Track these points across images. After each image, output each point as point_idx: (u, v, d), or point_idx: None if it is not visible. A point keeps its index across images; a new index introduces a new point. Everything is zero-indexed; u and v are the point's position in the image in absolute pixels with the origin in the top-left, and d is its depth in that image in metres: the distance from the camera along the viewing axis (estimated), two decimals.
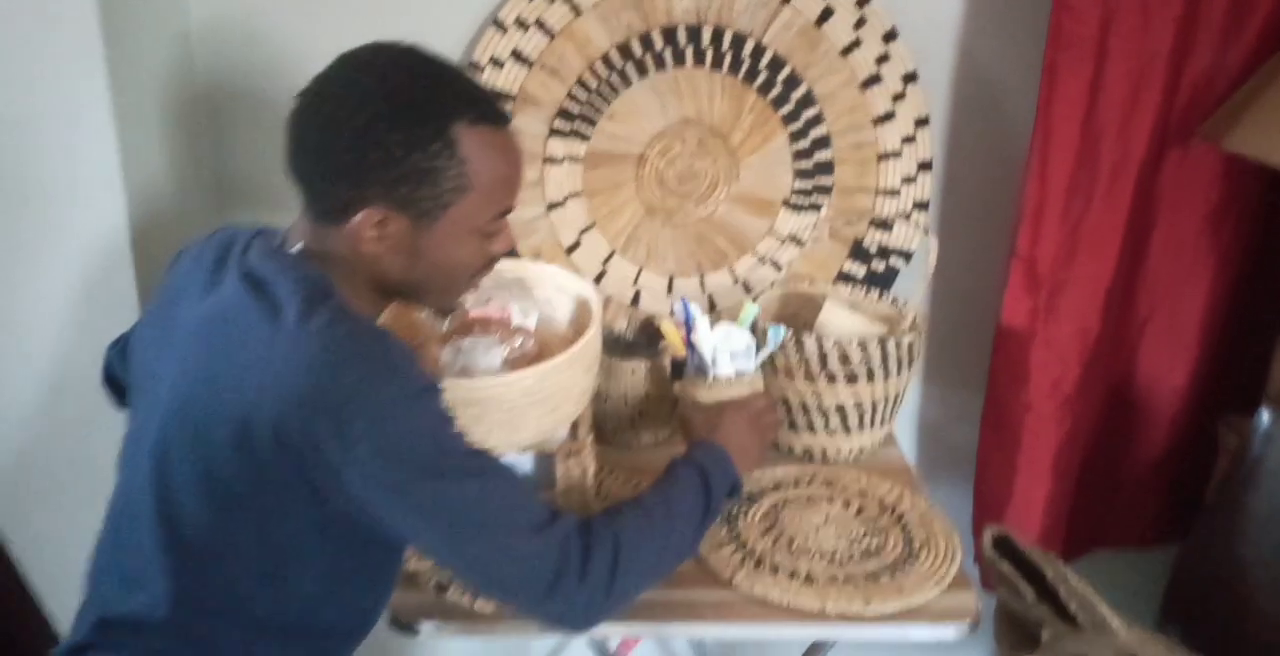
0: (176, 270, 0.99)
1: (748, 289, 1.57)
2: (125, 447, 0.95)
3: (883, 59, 1.47)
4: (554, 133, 1.49)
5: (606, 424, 1.43)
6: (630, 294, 1.57)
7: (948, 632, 1.11)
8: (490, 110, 0.90)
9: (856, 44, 1.47)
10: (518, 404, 1.05)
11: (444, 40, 1.46)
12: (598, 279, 1.56)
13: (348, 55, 0.89)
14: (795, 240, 1.56)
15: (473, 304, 1.12)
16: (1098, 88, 1.37)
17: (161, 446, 0.87)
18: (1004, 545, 1.32)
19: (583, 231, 1.54)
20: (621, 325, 1.50)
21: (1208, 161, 1.50)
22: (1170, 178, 1.51)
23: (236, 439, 0.82)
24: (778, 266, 1.56)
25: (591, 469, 1.13)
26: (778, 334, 1.32)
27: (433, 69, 0.89)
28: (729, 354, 1.27)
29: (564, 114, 1.49)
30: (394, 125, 0.84)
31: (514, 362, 1.09)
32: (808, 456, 1.42)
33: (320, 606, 0.94)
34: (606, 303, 1.56)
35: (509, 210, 0.95)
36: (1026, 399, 1.57)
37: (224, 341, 0.87)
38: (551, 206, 1.53)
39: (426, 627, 1.09)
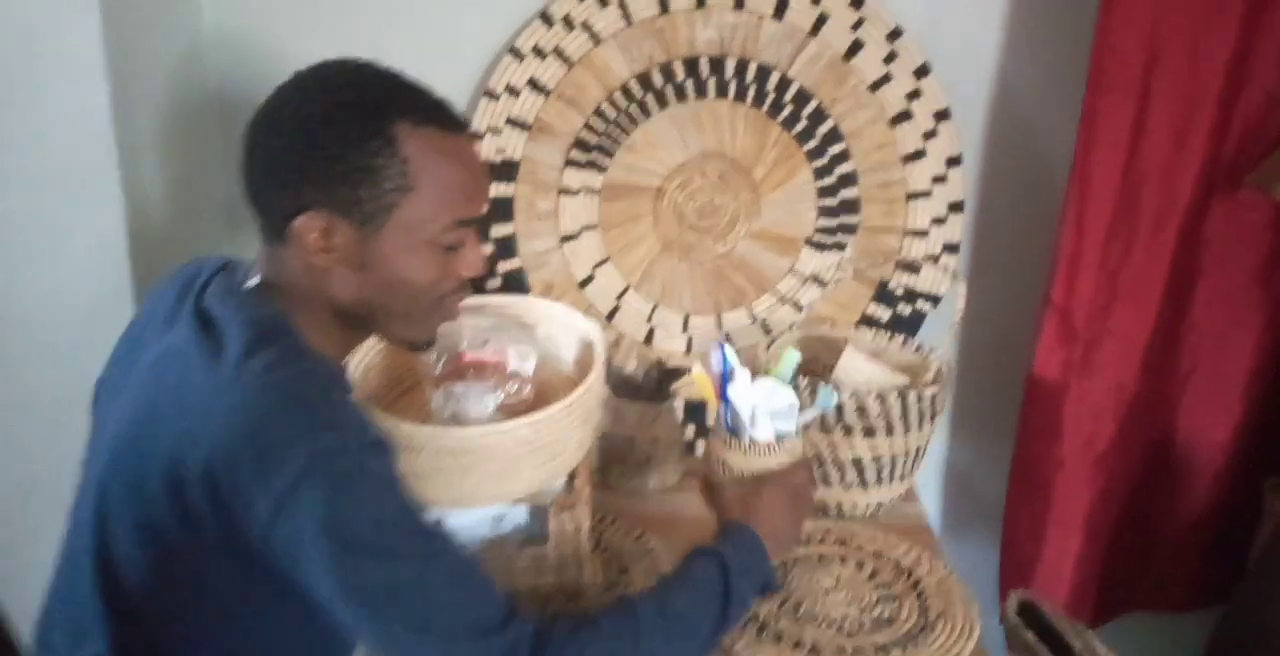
0: (142, 308, 0.95)
1: (766, 329, 1.51)
2: (77, 493, 0.90)
3: (914, 95, 1.41)
4: (570, 163, 1.45)
5: (612, 469, 1.37)
6: (644, 331, 1.51)
7: None
8: (438, 114, 0.85)
9: (886, 79, 1.41)
10: (511, 454, 1.00)
11: (460, 67, 1.42)
12: (611, 315, 1.50)
13: (300, 70, 0.86)
14: (817, 280, 1.49)
15: (468, 347, 1.06)
16: (1140, 131, 1.30)
17: (102, 493, 0.83)
18: (1029, 611, 1.25)
19: (597, 265, 1.49)
20: (632, 365, 1.44)
21: (1257, 210, 1.42)
22: (1216, 227, 1.43)
23: (170, 487, 0.77)
24: (798, 307, 1.50)
25: (586, 524, 1.07)
26: (829, 399, 1.18)
27: (380, 76, 0.86)
28: (770, 413, 1.10)
29: (581, 144, 1.44)
30: (332, 124, 0.81)
31: (509, 410, 1.04)
32: (822, 511, 1.35)
33: None
34: (618, 341, 1.51)
35: (468, 222, 0.88)
36: (1058, 455, 1.49)
37: (168, 384, 0.82)
38: (565, 239, 1.47)
39: None
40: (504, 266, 1.47)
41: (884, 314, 1.50)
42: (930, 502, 1.72)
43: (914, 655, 1.07)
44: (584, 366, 1.14)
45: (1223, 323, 1.50)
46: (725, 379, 1.11)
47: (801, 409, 1.13)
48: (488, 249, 1.45)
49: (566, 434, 1.04)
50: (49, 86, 1.15)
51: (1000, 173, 1.48)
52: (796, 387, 1.15)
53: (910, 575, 1.21)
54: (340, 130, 0.80)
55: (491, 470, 0.99)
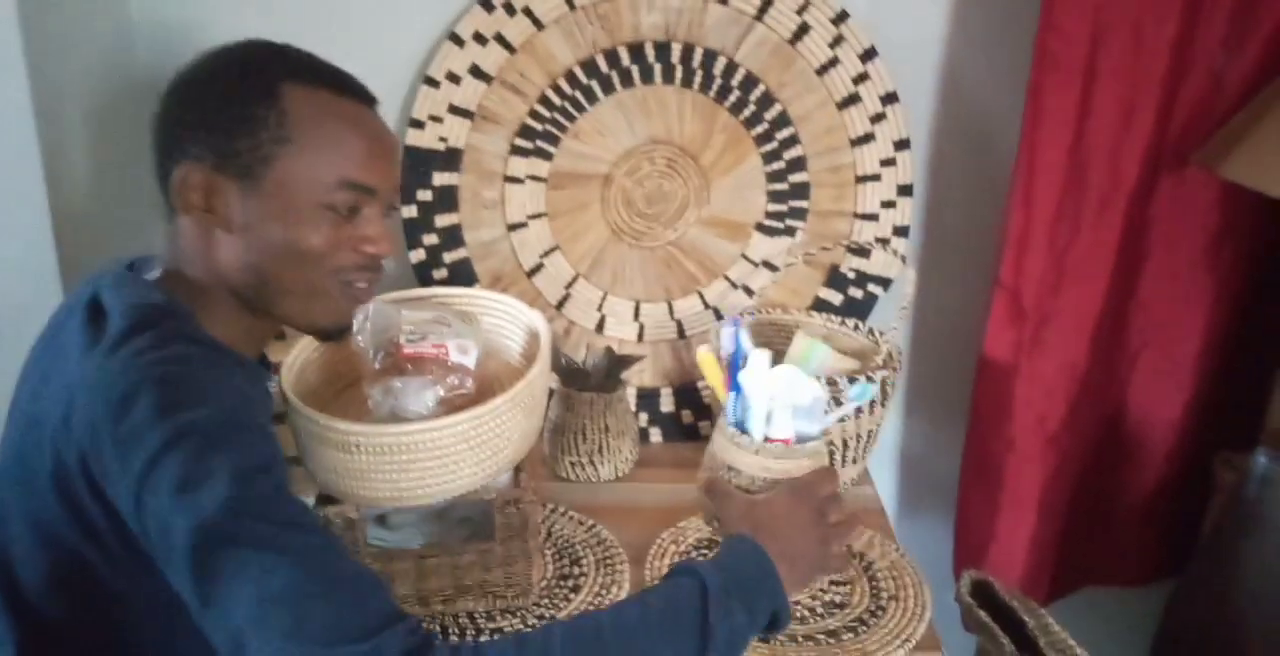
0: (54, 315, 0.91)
1: (718, 315, 1.50)
2: None
3: (861, 78, 1.40)
4: (515, 151, 1.42)
5: (563, 459, 1.36)
6: (595, 320, 1.49)
7: None
8: (332, 79, 0.85)
9: (834, 63, 1.39)
10: (453, 449, 0.98)
11: (400, 53, 1.39)
12: (560, 304, 1.48)
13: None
14: (769, 265, 1.48)
15: (406, 340, 1.04)
16: (1086, 111, 1.30)
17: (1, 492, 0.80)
18: (983, 590, 1.25)
19: (545, 254, 1.47)
20: (582, 354, 1.42)
21: (1204, 188, 1.42)
22: (1164, 205, 1.44)
23: (57, 481, 0.75)
24: (750, 292, 1.49)
25: (535, 518, 1.06)
26: (864, 392, 1.03)
27: (286, 48, 0.86)
28: (791, 408, 0.93)
29: (526, 132, 1.42)
30: (215, 80, 0.82)
31: (450, 404, 1.02)
32: None
33: None
34: (569, 329, 1.49)
35: (359, 187, 0.84)
36: (1009, 435, 1.49)
37: (51, 376, 0.80)
38: (512, 227, 1.45)
39: None
40: (450, 257, 1.45)
41: (836, 298, 1.50)
42: (885, 485, 1.73)
43: (865, 638, 1.07)
44: (530, 358, 1.13)
45: (1170, 301, 1.51)
46: (737, 363, 0.95)
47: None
48: (430, 242, 1.42)
49: (510, 427, 1.02)
50: None
51: (949, 155, 1.48)
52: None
53: (862, 559, 1.21)
54: (222, 85, 0.82)
55: (432, 467, 0.97)
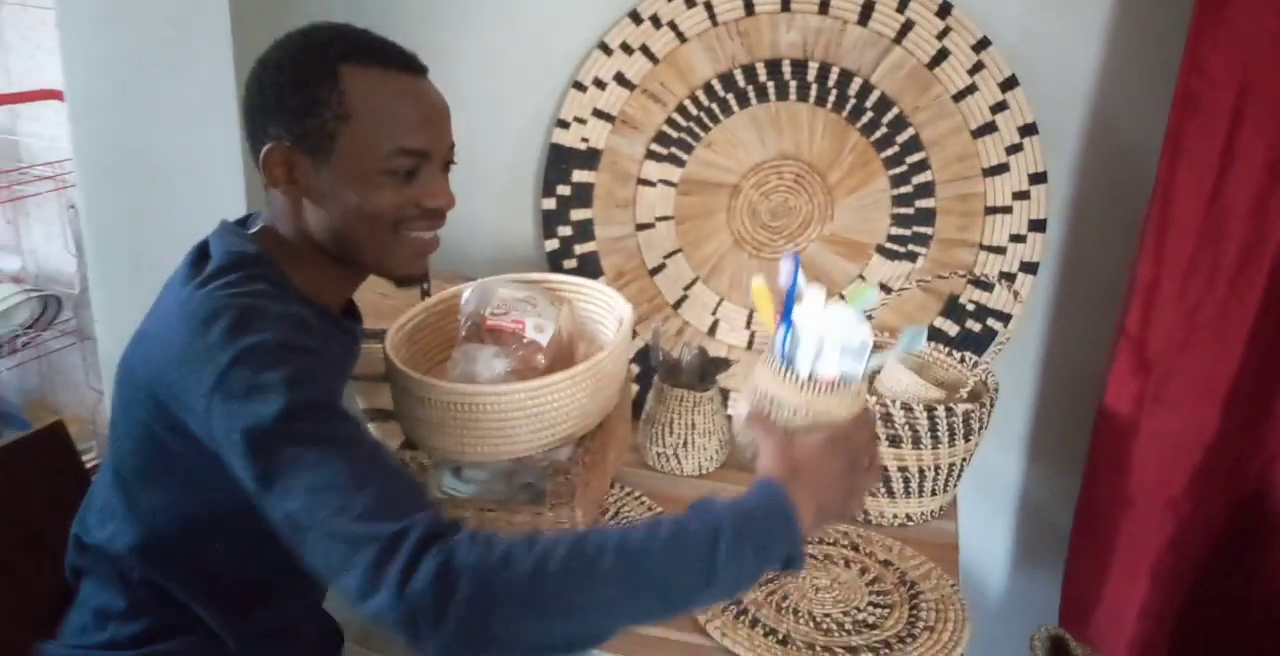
0: None
1: None
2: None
3: (1000, 107, 1.38)
4: (651, 155, 1.51)
5: (650, 448, 1.42)
6: (709, 323, 1.55)
7: None
8: (382, 56, 0.93)
9: (971, 89, 1.38)
10: (510, 415, 1.07)
11: (553, 59, 1.51)
12: (678, 304, 1.55)
13: None
14: (885, 288, 1.48)
15: (492, 314, 1.14)
16: (1229, 158, 1.23)
17: (116, 395, 0.96)
18: (1061, 647, 1.21)
19: (668, 255, 1.54)
20: (684, 352, 1.48)
21: None
22: None
23: (147, 391, 0.89)
24: (867, 314, 1.49)
25: (579, 487, 1.13)
26: (917, 338, 0.97)
27: (338, 29, 0.95)
28: (839, 347, 0.91)
29: (662, 138, 1.50)
30: (286, 68, 0.92)
31: (519, 375, 1.11)
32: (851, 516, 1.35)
33: (258, 560, 0.95)
34: (682, 330, 1.55)
35: (413, 152, 0.93)
36: (1125, 493, 1.42)
37: (158, 304, 0.94)
38: (641, 227, 1.54)
39: None
40: (580, 249, 1.55)
41: (952, 329, 1.48)
42: (1001, 530, 1.67)
43: None
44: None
45: None
46: (792, 297, 0.93)
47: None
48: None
49: (570, 403, 1.10)
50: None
51: (1090, 194, 1.42)
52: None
53: (913, 587, 1.19)
54: (290, 72, 0.91)
55: (491, 427, 1.07)
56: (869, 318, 0.94)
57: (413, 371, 1.07)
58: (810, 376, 0.91)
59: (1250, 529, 1.50)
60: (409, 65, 0.95)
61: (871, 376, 0.94)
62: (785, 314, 0.93)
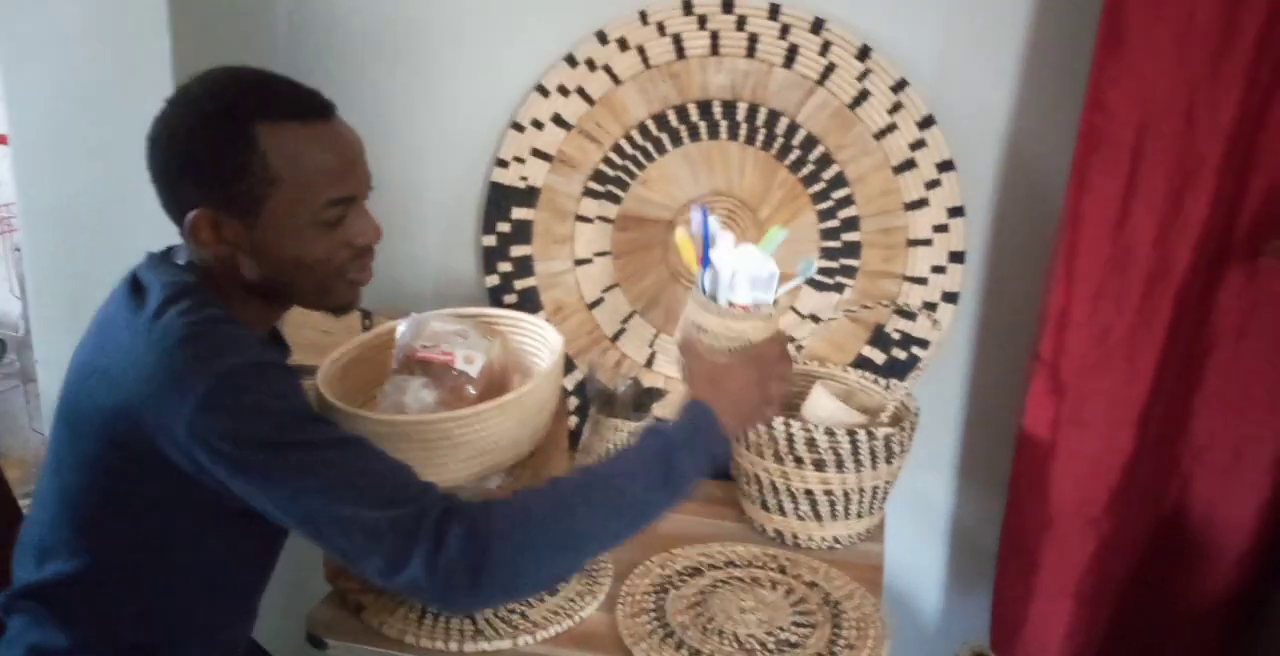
0: None
1: None
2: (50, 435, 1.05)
3: (918, 145, 1.44)
4: (588, 193, 1.56)
5: None
6: (646, 355, 1.59)
7: None
8: (293, 107, 0.94)
9: (891, 128, 1.45)
10: (437, 445, 1.10)
11: (491, 102, 1.56)
12: (616, 337, 1.60)
13: (193, 76, 0.97)
14: (815, 318, 1.54)
15: (423, 347, 1.18)
16: (1131, 192, 1.29)
17: (57, 432, 0.98)
18: None
19: (606, 289, 1.59)
20: (619, 383, 1.52)
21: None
22: (1233, 295, 1.39)
23: (102, 423, 0.91)
24: (797, 344, 1.55)
25: None
26: (809, 266, 1.19)
27: (243, 81, 0.95)
28: (749, 279, 1.11)
29: (598, 176, 1.55)
30: (200, 130, 0.92)
31: (449, 406, 1.14)
32: (779, 539, 1.38)
33: (202, 578, 1.00)
34: (619, 361, 1.60)
35: (344, 199, 0.96)
36: (1046, 514, 1.46)
37: (102, 339, 0.96)
38: (579, 262, 1.58)
39: (335, 645, 1.15)
40: (520, 284, 1.60)
41: (879, 357, 1.53)
42: (935, 555, 1.71)
43: None
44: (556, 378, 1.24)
45: (1244, 398, 1.43)
46: (707, 242, 1.13)
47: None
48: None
49: (497, 433, 1.13)
50: None
51: (1008, 224, 1.48)
52: None
53: (836, 607, 1.23)
54: (204, 138, 0.92)
55: (419, 458, 1.09)
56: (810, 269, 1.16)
57: (340, 402, 1.10)
58: (729, 304, 1.11)
59: (1171, 547, 1.55)
60: (320, 111, 0.96)
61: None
62: (704, 257, 1.13)
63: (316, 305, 1.03)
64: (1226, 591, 1.52)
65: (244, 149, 0.92)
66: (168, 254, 1.03)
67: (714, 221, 1.13)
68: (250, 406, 0.87)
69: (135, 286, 0.98)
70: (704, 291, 1.14)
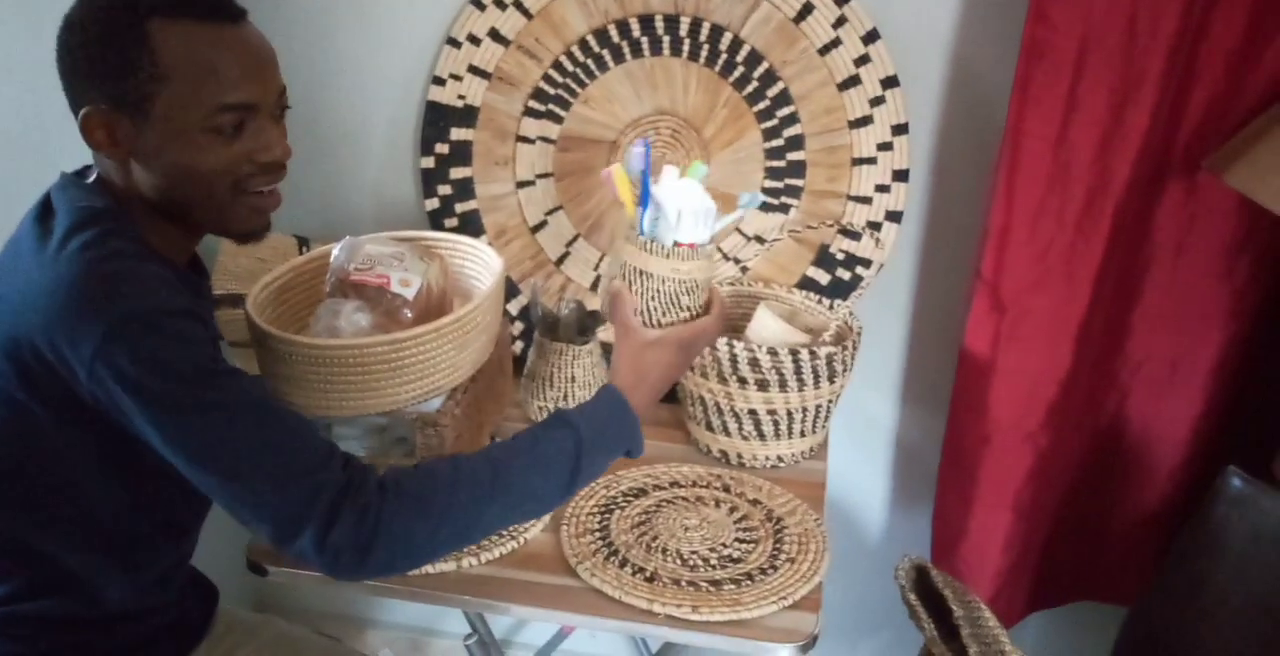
0: None
1: None
2: None
3: (862, 61, 1.42)
4: (528, 112, 1.52)
5: (532, 402, 1.45)
6: (591, 278, 1.58)
7: (777, 652, 1.07)
8: (193, 5, 0.90)
9: (836, 43, 1.42)
10: (373, 369, 1.08)
11: (425, 16, 1.50)
12: (560, 261, 1.57)
13: None
14: (760, 240, 1.52)
15: (356, 269, 1.16)
16: (1073, 106, 1.28)
17: None
18: (925, 577, 1.27)
19: (549, 212, 1.56)
20: (562, 307, 1.51)
21: (1219, 196, 1.37)
22: (1171, 211, 1.39)
23: (6, 351, 0.88)
24: (742, 265, 1.54)
25: (450, 440, 1.16)
26: (753, 199, 1.10)
27: None
28: (694, 216, 1.03)
29: (539, 95, 1.51)
30: (94, 25, 0.89)
31: (385, 329, 1.13)
32: (724, 459, 1.40)
33: (127, 511, 0.98)
34: (564, 286, 1.58)
35: (236, 106, 0.92)
36: (985, 430, 1.49)
37: (7, 266, 0.93)
38: (521, 185, 1.55)
39: (275, 571, 1.15)
40: (461, 207, 1.56)
41: (823, 278, 1.52)
42: (879, 472, 1.74)
43: (746, 590, 1.12)
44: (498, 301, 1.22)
45: (1178, 313, 1.46)
46: (647, 181, 1.05)
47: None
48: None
49: (436, 356, 1.12)
50: None
51: (952, 143, 1.47)
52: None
53: (779, 523, 1.25)
54: (96, 32, 0.88)
55: (355, 382, 1.08)
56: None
57: (272, 328, 1.08)
58: (674, 244, 1.04)
59: (1108, 462, 1.59)
60: (223, 12, 0.92)
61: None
62: (643, 196, 1.06)
63: (219, 228, 0.99)
64: (1162, 504, 1.57)
65: (133, 43, 0.88)
66: (82, 173, 0.99)
67: (652, 155, 1.09)
68: (146, 355, 0.83)
69: (45, 210, 0.94)
70: (644, 232, 1.07)
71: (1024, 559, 1.60)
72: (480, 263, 1.33)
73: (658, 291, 1.05)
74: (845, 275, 1.52)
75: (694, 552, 1.18)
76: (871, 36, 1.41)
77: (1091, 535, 1.65)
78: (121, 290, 0.85)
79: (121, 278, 0.86)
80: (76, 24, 0.90)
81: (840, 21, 1.41)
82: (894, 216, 1.48)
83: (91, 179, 0.97)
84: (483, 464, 0.93)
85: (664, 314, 1.07)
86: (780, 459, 1.39)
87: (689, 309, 1.08)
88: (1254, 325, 1.45)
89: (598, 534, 1.21)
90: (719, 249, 1.54)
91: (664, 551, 1.18)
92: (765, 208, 1.51)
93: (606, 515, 1.25)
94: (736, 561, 1.17)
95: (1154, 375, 1.51)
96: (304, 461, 0.88)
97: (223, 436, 0.86)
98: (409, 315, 1.15)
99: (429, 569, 1.14)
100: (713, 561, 1.17)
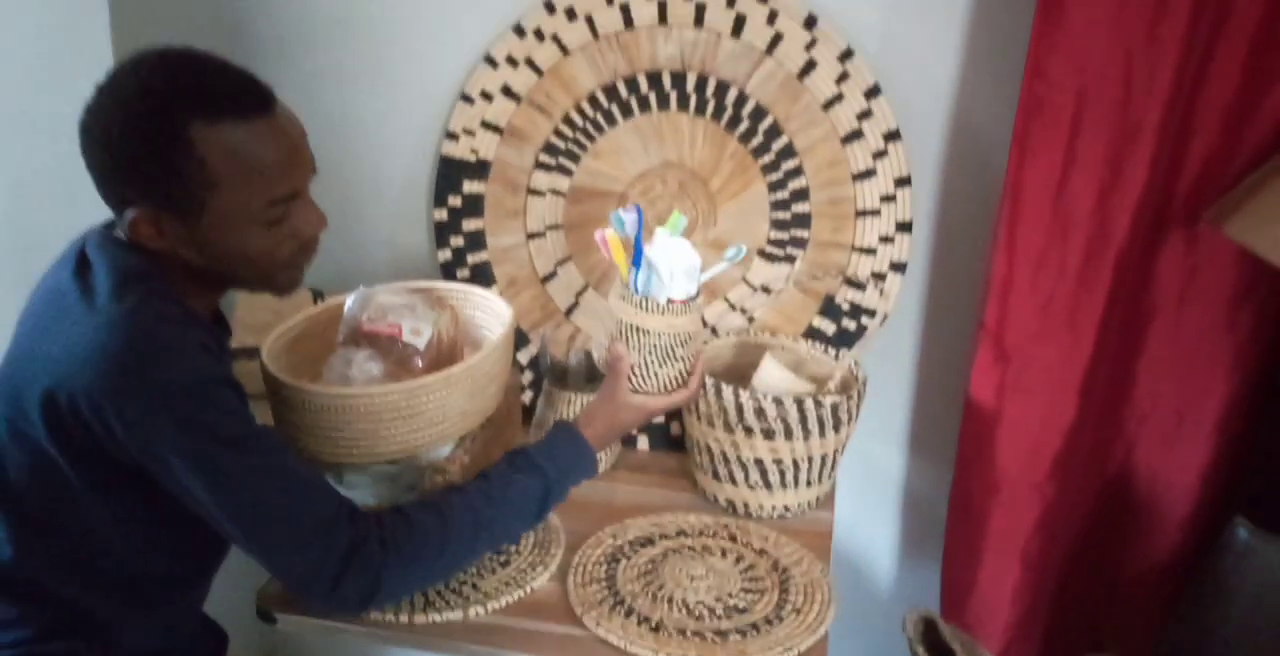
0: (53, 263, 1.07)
1: (716, 334, 1.57)
2: None
3: (865, 115, 1.45)
4: (539, 166, 1.55)
5: None
6: (600, 328, 1.59)
7: None
8: (231, 105, 0.90)
9: (839, 98, 1.45)
10: (381, 416, 1.10)
11: (439, 73, 1.55)
12: (570, 311, 1.60)
13: (125, 60, 0.93)
14: (767, 290, 1.54)
15: (369, 319, 1.18)
16: (1071, 159, 1.30)
17: None
18: (933, 630, 1.27)
19: (559, 263, 1.59)
20: (570, 356, 1.52)
21: (1221, 247, 1.38)
22: (1173, 262, 1.41)
23: (43, 404, 0.91)
24: (749, 315, 1.56)
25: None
26: (739, 253, 1.19)
27: (176, 73, 0.91)
28: (684, 273, 1.13)
29: (550, 149, 1.54)
30: (132, 135, 0.89)
31: (395, 377, 1.15)
32: (731, 508, 1.40)
33: (146, 557, 1.01)
34: (574, 335, 1.60)
35: (287, 195, 0.95)
36: (992, 480, 1.49)
37: (49, 319, 0.95)
38: (531, 236, 1.58)
39: (283, 619, 1.15)
40: (473, 258, 1.59)
41: (829, 327, 1.54)
42: (888, 524, 1.74)
43: (751, 641, 1.11)
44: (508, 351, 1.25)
45: (1184, 362, 1.46)
46: (640, 241, 1.15)
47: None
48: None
49: (445, 404, 1.13)
50: None
51: (955, 194, 1.50)
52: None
53: (785, 573, 1.25)
54: (140, 140, 0.89)
55: (364, 430, 1.10)
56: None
57: (285, 376, 1.10)
58: (668, 301, 1.14)
59: (1117, 513, 1.58)
60: (258, 105, 0.93)
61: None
62: (636, 256, 1.15)
63: (257, 289, 1.05)
64: (1172, 555, 1.56)
65: (180, 152, 0.89)
66: (111, 226, 1.01)
67: (644, 219, 1.15)
68: (189, 422, 0.89)
69: (81, 265, 0.96)
70: (637, 290, 1.16)
71: (1034, 611, 1.59)
72: (491, 312, 1.35)
73: (654, 346, 1.16)
74: (851, 325, 1.53)
75: (700, 602, 1.18)
76: (873, 91, 1.44)
77: (1102, 587, 1.63)
78: (168, 359, 0.89)
79: (167, 345, 0.90)
80: (112, 129, 0.90)
81: (843, 77, 1.44)
82: (898, 267, 1.50)
83: (124, 235, 0.98)
84: (466, 516, 1.06)
85: (660, 365, 1.17)
86: (787, 509, 1.39)
87: (682, 359, 1.18)
88: (1259, 375, 1.46)
89: (604, 583, 1.21)
90: (726, 299, 1.56)
91: (670, 601, 1.18)
92: (771, 258, 1.53)
93: (613, 564, 1.25)
94: (742, 611, 1.17)
95: (1161, 425, 1.51)
96: (318, 521, 0.97)
97: (251, 497, 0.94)
98: (420, 364, 1.17)
99: (436, 617, 1.15)
100: (718, 611, 1.17)
